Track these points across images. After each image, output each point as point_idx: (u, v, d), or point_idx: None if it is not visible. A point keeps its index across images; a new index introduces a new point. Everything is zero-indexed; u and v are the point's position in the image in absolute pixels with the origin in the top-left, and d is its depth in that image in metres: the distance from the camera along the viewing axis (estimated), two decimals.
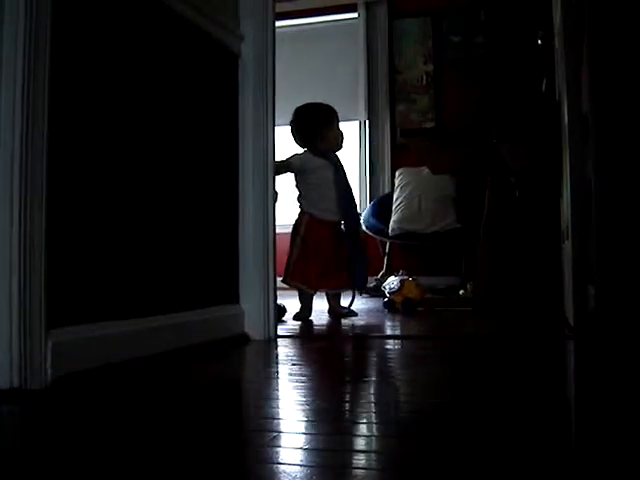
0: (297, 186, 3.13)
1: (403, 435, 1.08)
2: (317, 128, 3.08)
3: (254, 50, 2.33)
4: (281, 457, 0.96)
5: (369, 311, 3.39)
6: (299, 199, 3.12)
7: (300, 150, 3.15)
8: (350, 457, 0.97)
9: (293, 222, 3.12)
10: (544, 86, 3.59)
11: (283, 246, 2.85)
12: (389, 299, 3.36)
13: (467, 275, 4.10)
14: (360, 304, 3.48)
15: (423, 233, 4.77)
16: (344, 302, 3.11)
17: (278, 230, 2.45)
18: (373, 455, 0.99)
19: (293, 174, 3.10)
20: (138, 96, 1.80)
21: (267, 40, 2.34)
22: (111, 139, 1.68)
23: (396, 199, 4.95)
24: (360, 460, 0.96)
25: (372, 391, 1.51)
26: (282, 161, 2.95)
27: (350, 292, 3.09)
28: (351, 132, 5.71)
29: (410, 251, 5.11)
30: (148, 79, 1.84)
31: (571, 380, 1.65)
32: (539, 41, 4.09)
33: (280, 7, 2.87)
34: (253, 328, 2.28)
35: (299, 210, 3.13)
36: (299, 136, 3.14)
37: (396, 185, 5.07)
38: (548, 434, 1.06)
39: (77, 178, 1.56)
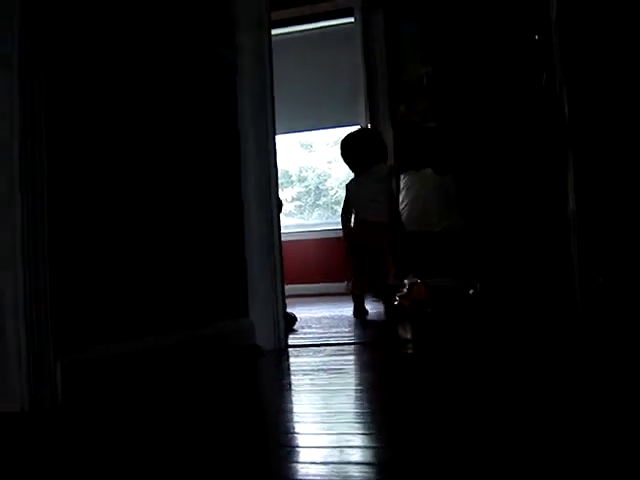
0: None
1: (419, 445, 1.07)
2: None
3: (251, 61, 2.33)
4: (299, 473, 0.95)
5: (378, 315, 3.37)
6: None
7: None
8: (369, 471, 0.96)
9: None
10: (544, 80, 3.57)
11: (290, 254, 2.83)
12: (398, 303, 3.36)
13: (475, 274, 4.08)
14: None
15: (430, 233, 4.75)
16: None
17: (284, 238, 2.44)
18: (393, 468, 0.98)
19: None
20: (138, 111, 1.80)
21: (264, 51, 2.34)
22: (114, 154, 1.68)
23: (402, 201, 4.95)
24: (377, 475, 0.94)
25: (386, 399, 1.50)
26: None
27: None
28: None
29: (417, 252, 5.08)
30: (148, 92, 1.84)
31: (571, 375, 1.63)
32: (536, 36, 4.07)
33: (276, 15, 2.87)
34: (264, 339, 2.27)
35: None
36: None
37: (401, 187, 5.06)
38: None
39: (81, 204, 1.56)
